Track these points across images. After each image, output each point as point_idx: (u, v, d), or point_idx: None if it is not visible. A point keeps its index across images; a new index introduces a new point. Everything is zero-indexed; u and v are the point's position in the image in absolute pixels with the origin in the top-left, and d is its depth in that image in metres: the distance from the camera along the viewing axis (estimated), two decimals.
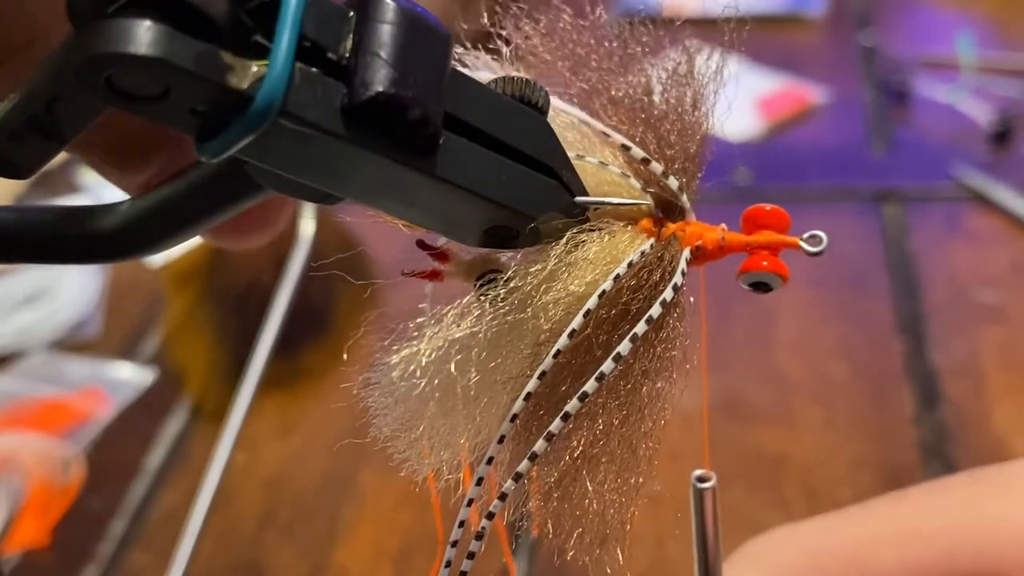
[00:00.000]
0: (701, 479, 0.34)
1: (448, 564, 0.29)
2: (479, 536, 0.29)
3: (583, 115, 0.30)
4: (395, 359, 0.30)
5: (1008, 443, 0.69)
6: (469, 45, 0.31)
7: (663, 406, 0.30)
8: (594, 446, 0.29)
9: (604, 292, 0.29)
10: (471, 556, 0.29)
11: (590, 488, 0.29)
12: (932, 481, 0.43)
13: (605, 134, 0.31)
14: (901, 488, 0.42)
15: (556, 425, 0.28)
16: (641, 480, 0.30)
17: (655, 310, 0.29)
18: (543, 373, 0.28)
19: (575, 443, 0.29)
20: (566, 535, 0.30)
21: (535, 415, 0.30)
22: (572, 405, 0.28)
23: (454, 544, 0.29)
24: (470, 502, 0.29)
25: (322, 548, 0.69)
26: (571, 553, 0.29)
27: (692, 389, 0.30)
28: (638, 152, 0.30)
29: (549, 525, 0.30)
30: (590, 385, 0.28)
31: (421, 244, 0.32)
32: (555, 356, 0.28)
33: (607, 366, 0.28)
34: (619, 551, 0.29)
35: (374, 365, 0.30)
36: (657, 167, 0.30)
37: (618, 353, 0.28)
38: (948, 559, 0.38)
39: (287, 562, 0.69)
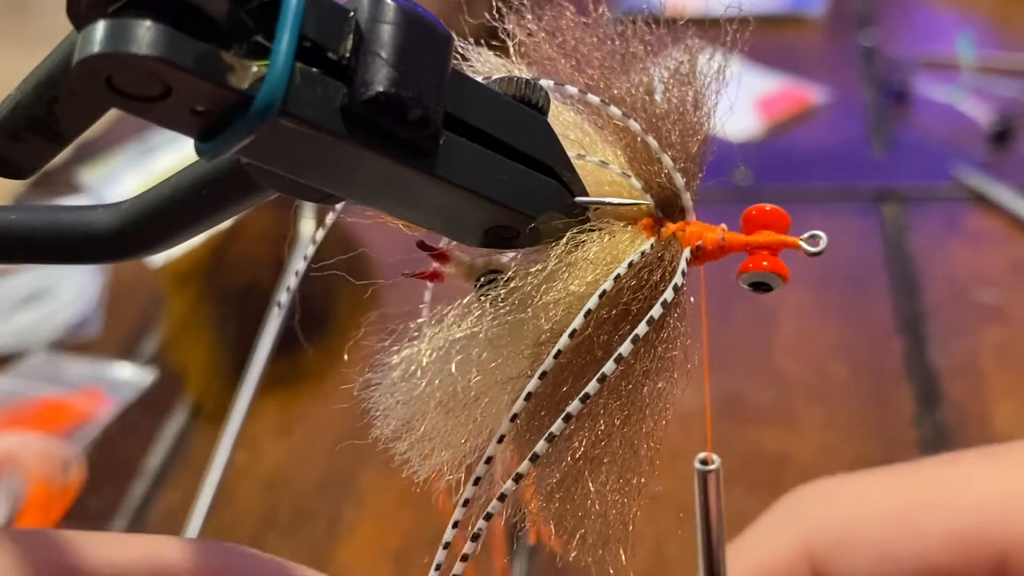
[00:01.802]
0: (704, 461, 0.34)
1: (438, 567, 0.29)
2: (475, 537, 0.29)
3: (596, 99, 0.30)
4: (396, 360, 0.30)
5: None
6: (472, 41, 0.31)
7: (665, 406, 0.30)
8: (596, 447, 0.29)
9: (605, 292, 0.29)
10: (464, 558, 0.29)
11: (592, 489, 0.29)
12: (989, 446, 0.42)
13: (617, 123, 0.31)
14: None
15: (558, 426, 0.28)
16: (643, 480, 0.30)
17: (656, 310, 0.29)
18: (544, 373, 0.28)
19: (577, 444, 0.29)
20: (569, 536, 0.29)
21: (536, 416, 0.30)
22: (574, 406, 0.28)
23: (447, 546, 0.29)
24: (466, 502, 0.29)
25: (322, 548, 0.69)
26: (574, 554, 0.29)
27: (692, 389, 0.30)
28: (652, 142, 0.30)
29: (552, 526, 0.30)
30: (592, 386, 0.28)
31: (421, 245, 0.32)
32: (556, 356, 0.28)
33: (609, 367, 0.28)
34: (622, 552, 0.29)
35: (375, 366, 0.30)
36: (667, 160, 0.30)
37: (619, 354, 0.28)
38: (995, 529, 0.37)
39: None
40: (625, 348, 0.28)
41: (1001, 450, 0.41)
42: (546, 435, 0.28)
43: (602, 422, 0.29)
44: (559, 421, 0.28)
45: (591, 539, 0.29)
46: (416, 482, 0.30)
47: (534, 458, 0.28)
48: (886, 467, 0.42)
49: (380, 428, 0.30)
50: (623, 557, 0.29)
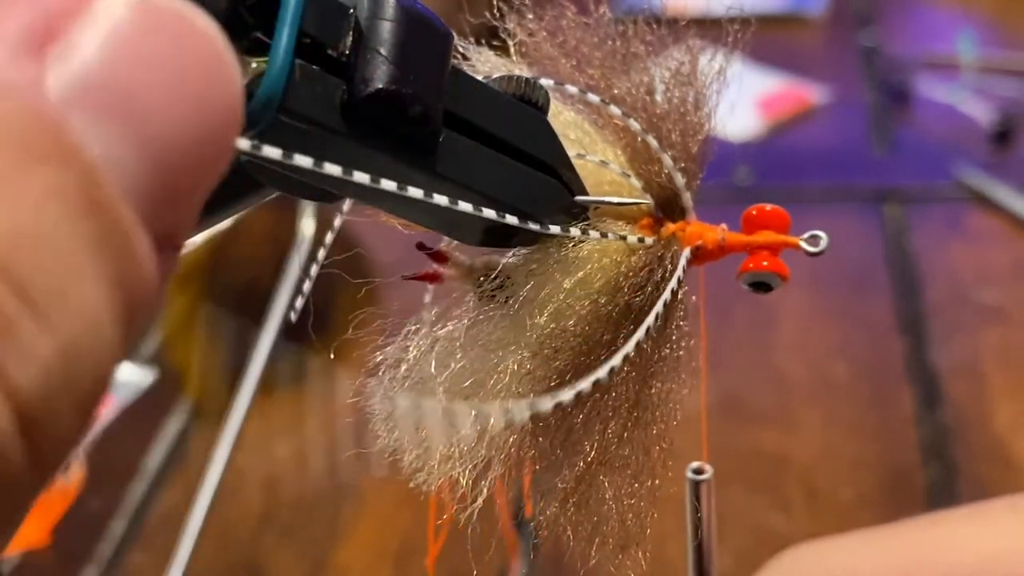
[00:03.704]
0: (697, 471, 0.34)
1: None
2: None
3: (596, 99, 0.30)
4: (397, 363, 0.30)
5: (1009, 443, 0.69)
6: (472, 40, 0.31)
7: (673, 407, 0.29)
8: (608, 451, 0.29)
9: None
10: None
11: (608, 493, 0.29)
12: (972, 504, 0.42)
13: (617, 123, 0.31)
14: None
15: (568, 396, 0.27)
16: (657, 482, 0.29)
17: (659, 307, 0.29)
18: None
19: (589, 448, 0.29)
20: (587, 542, 0.29)
21: (545, 417, 0.30)
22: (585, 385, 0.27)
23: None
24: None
25: (322, 548, 0.69)
26: (594, 560, 0.29)
27: (692, 389, 0.30)
28: (652, 142, 0.30)
29: (569, 532, 0.29)
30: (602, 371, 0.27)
31: (420, 246, 0.32)
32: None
33: (617, 359, 0.28)
34: (641, 556, 0.29)
35: (375, 370, 0.30)
36: (668, 160, 0.30)
37: (626, 354, 0.28)
38: None
39: (287, 562, 0.69)
40: (630, 347, 0.28)
41: (984, 508, 0.41)
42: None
43: (613, 424, 0.29)
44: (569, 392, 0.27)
45: (611, 544, 0.29)
46: (421, 487, 0.30)
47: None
48: (870, 529, 0.42)
49: (385, 437, 0.30)
50: (643, 562, 0.29)
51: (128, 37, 0.16)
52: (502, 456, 0.29)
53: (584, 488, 0.30)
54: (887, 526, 0.42)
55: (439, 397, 0.29)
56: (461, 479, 0.29)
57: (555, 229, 0.28)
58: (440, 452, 0.29)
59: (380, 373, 0.30)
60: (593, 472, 0.29)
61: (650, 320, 0.28)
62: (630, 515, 0.29)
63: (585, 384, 0.27)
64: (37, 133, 0.15)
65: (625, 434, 0.29)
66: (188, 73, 0.17)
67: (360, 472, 0.74)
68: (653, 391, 0.30)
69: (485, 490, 0.29)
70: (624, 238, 0.29)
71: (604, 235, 0.29)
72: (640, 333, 0.28)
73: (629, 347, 0.28)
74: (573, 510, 0.30)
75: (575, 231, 0.29)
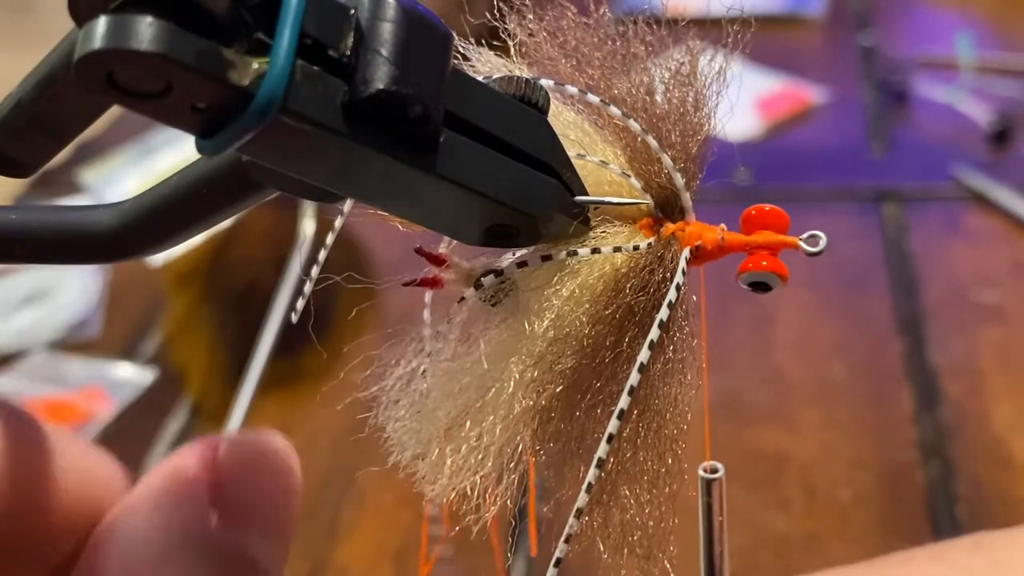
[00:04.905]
0: (708, 469, 0.34)
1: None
2: (557, 563, 0.29)
3: (596, 99, 0.30)
4: (400, 373, 0.30)
5: (1008, 443, 0.69)
6: (473, 40, 0.31)
7: (684, 409, 0.30)
8: (624, 457, 0.29)
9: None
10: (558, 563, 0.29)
11: (629, 502, 0.29)
12: (937, 544, 0.42)
13: (617, 123, 0.31)
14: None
15: (602, 449, 0.28)
16: (675, 487, 0.29)
17: (663, 312, 0.29)
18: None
19: (608, 456, 0.29)
20: (613, 551, 0.29)
21: (550, 420, 0.30)
22: (613, 424, 0.28)
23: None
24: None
25: (322, 548, 0.69)
26: (624, 572, 0.29)
27: (694, 389, 0.30)
28: (652, 142, 0.30)
29: (598, 541, 0.29)
30: (624, 401, 0.28)
31: (420, 250, 0.32)
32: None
33: (634, 377, 0.28)
34: (667, 563, 0.29)
35: (378, 380, 0.30)
36: (667, 160, 0.30)
37: (641, 363, 0.28)
38: None
39: (287, 562, 0.69)
40: (644, 356, 0.28)
41: (949, 547, 0.41)
42: (595, 461, 0.28)
43: (628, 429, 0.29)
44: (603, 444, 0.28)
45: (638, 552, 0.29)
46: (427, 496, 0.30)
47: (600, 463, 0.28)
48: (839, 568, 0.42)
49: (393, 449, 0.30)
50: (670, 568, 0.29)
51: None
52: (510, 464, 0.29)
53: (607, 497, 0.29)
54: (855, 565, 0.42)
55: (441, 408, 0.29)
56: (468, 489, 0.29)
57: (534, 257, 0.29)
58: (446, 464, 0.29)
59: (381, 383, 0.30)
60: (614, 480, 0.29)
61: (654, 332, 0.29)
62: (651, 522, 0.29)
63: (612, 425, 0.27)
64: None
65: (638, 440, 0.29)
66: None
67: (360, 472, 0.74)
68: (662, 394, 0.30)
69: (497, 497, 0.29)
70: (620, 249, 0.29)
71: (597, 250, 0.29)
72: (649, 342, 0.28)
73: (643, 355, 0.28)
74: (599, 521, 0.29)
75: (562, 255, 0.29)
